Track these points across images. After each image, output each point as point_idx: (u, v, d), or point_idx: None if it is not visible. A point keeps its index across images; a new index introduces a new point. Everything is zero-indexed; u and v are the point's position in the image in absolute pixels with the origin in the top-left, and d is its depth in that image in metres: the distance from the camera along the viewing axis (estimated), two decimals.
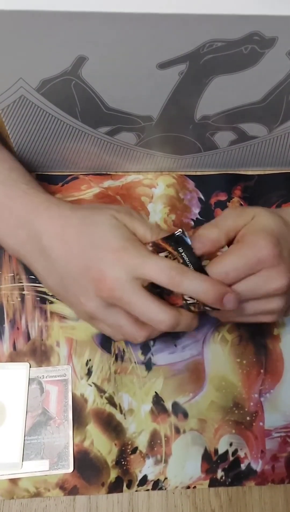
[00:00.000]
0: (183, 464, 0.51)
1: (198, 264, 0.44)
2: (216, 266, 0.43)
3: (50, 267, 0.46)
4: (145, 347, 0.54)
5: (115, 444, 0.51)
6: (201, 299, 0.42)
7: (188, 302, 0.44)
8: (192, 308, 0.45)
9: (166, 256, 0.44)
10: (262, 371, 0.54)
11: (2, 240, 0.49)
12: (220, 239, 0.45)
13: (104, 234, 0.44)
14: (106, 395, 0.52)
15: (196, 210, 0.59)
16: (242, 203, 0.59)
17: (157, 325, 0.43)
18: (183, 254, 0.44)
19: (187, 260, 0.44)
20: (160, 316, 0.42)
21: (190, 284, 0.42)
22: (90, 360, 0.53)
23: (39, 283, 0.54)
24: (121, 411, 0.52)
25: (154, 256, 0.43)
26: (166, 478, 0.51)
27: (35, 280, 0.55)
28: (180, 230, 0.44)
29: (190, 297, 0.44)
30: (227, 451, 0.52)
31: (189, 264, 0.44)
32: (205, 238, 0.45)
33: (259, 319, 0.47)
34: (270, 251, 0.42)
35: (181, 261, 0.44)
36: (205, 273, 0.43)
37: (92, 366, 0.53)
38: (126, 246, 0.43)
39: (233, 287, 0.43)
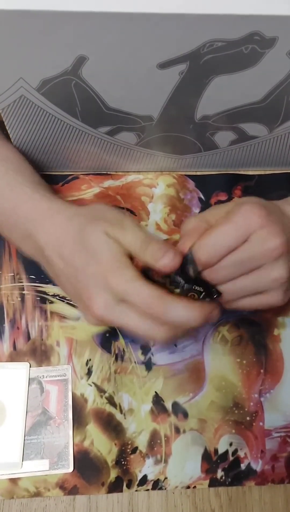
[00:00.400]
0: (183, 464, 0.51)
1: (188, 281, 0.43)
2: (207, 238, 0.42)
3: (57, 277, 0.46)
4: (145, 347, 0.54)
5: (115, 444, 0.51)
6: (186, 324, 0.41)
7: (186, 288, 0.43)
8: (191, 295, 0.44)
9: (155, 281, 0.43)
10: (262, 371, 0.54)
11: (17, 246, 0.50)
12: (199, 226, 0.43)
13: (94, 253, 0.43)
14: (106, 395, 0.52)
15: (196, 210, 0.59)
16: None
17: (153, 337, 0.42)
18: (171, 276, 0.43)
19: (177, 280, 0.43)
20: (151, 332, 0.41)
21: (173, 313, 0.41)
22: (90, 360, 0.53)
23: (39, 283, 0.55)
24: (121, 411, 0.52)
25: (138, 283, 0.41)
26: (166, 478, 0.51)
27: (35, 280, 0.55)
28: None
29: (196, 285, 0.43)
30: (227, 451, 0.52)
31: (179, 284, 0.43)
32: (191, 230, 0.43)
33: (264, 301, 0.45)
34: (257, 212, 0.41)
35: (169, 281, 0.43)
36: (201, 283, 0.43)
37: (92, 366, 0.53)
38: (113, 269, 0.41)
39: (228, 258, 0.42)
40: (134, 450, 0.51)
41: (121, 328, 0.44)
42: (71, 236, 0.44)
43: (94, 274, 0.42)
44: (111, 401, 0.52)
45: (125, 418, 0.52)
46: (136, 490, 0.50)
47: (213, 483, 0.51)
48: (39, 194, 0.48)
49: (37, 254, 0.47)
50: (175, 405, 0.53)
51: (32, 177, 0.50)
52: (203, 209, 0.59)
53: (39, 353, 0.53)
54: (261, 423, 0.53)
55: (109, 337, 0.54)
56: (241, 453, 0.52)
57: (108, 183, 0.59)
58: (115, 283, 0.41)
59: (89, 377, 0.53)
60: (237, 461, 0.52)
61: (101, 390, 0.52)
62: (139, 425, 0.52)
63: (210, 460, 0.51)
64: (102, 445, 0.51)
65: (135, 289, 0.41)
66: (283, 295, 0.44)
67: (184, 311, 0.41)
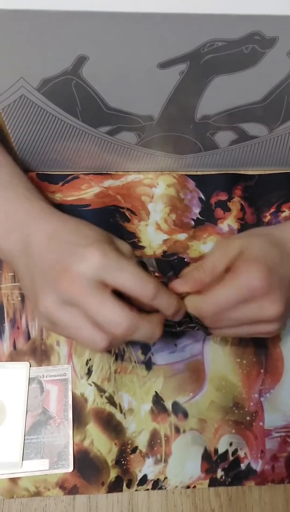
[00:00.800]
0: (183, 463, 0.51)
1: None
2: (210, 297, 0.44)
3: (28, 264, 0.44)
4: (145, 347, 0.54)
5: (115, 444, 0.51)
6: (166, 313, 0.43)
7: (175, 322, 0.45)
8: (178, 326, 0.46)
9: None
10: (262, 371, 0.54)
11: None
12: (204, 278, 0.46)
13: (87, 234, 0.43)
14: (106, 394, 0.52)
15: (196, 210, 0.59)
16: (242, 202, 0.59)
17: (114, 327, 0.40)
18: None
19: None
20: (116, 317, 0.40)
21: (161, 301, 0.42)
22: (90, 359, 0.53)
23: None
24: (121, 411, 0.52)
25: (131, 264, 0.42)
26: (166, 478, 0.51)
27: None
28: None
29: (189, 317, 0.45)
30: (227, 451, 0.52)
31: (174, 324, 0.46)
32: (189, 277, 0.46)
33: (259, 330, 0.46)
34: (261, 281, 0.42)
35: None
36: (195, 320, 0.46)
37: (92, 366, 0.53)
38: (105, 248, 0.41)
39: (226, 314, 0.44)
40: (134, 449, 0.51)
41: (64, 332, 0.43)
42: (72, 224, 0.45)
43: (82, 247, 0.41)
44: (111, 400, 0.52)
45: (125, 417, 0.52)
46: (136, 490, 0.50)
47: (213, 483, 0.51)
48: (34, 196, 0.49)
49: (18, 245, 0.46)
50: (175, 405, 0.53)
51: (26, 183, 0.50)
52: (203, 209, 0.59)
53: (39, 353, 0.53)
54: (261, 423, 0.53)
55: None
56: (241, 453, 0.52)
57: (108, 182, 0.59)
58: (104, 259, 0.40)
59: (89, 377, 0.53)
60: (237, 461, 0.52)
61: (101, 390, 0.52)
62: (139, 425, 0.52)
63: (210, 460, 0.51)
64: (102, 445, 0.51)
65: (129, 269, 0.41)
66: (278, 327, 0.46)
67: (168, 298, 0.43)
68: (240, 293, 0.43)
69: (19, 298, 0.54)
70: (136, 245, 0.57)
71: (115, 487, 0.50)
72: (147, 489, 0.50)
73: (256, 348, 0.55)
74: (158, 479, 0.51)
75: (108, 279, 0.40)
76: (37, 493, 0.49)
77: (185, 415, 0.52)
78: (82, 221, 0.47)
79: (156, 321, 0.43)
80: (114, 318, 0.40)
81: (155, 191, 0.59)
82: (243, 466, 0.52)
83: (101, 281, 0.40)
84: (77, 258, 0.40)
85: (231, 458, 0.52)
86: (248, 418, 0.53)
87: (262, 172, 0.61)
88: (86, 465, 0.50)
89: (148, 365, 0.53)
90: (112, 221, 0.58)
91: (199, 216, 0.59)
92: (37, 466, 0.50)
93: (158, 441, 0.52)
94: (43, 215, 0.47)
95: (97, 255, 0.40)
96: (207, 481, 0.51)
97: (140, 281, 0.41)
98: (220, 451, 0.52)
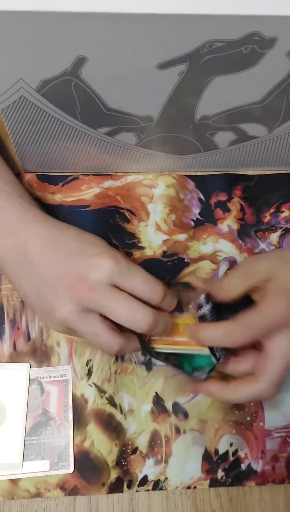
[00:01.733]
0: (184, 464, 0.51)
1: None
2: (239, 326, 0.44)
3: (29, 274, 0.45)
4: None
5: (116, 444, 0.51)
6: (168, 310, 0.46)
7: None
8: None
9: None
10: None
11: None
12: (218, 290, 0.47)
13: (93, 241, 0.45)
14: (107, 395, 0.52)
15: (196, 210, 0.59)
16: (242, 203, 0.59)
17: (138, 324, 0.42)
18: None
19: None
20: (139, 314, 0.42)
21: (168, 301, 0.45)
22: (90, 360, 0.53)
23: None
24: (121, 411, 0.52)
25: (140, 269, 0.44)
26: (166, 478, 0.51)
27: None
28: None
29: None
30: (227, 451, 0.52)
31: None
32: (207, 279, 0.48)
33: None
34: (286, 310, 0.43)
35: None
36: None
37: (92, 366, 0.53)
38: (116, 255, 0.43)
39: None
40: (135, 450, 0.51)
41: (82, 336, 0.45)
42: (71, 230, 0.46)
43: (90, 256, 0.43)
44: (111, 401, 0.52)
45: (125, 418, 0.52)
46: (136, 491, 0.50)
47: (214, 483, 0.51)
48: (28, 203, 0.49)
49: (14, 252, 0.46)
50: (176, 405, 0.53)
51: (20, 190, 0.50)
52: (203, 209, 0.59)
53: (40, 354, 0.53)
54: (261, 423, 0.53)
55: None
56: (241, 453, 0.52)
57: (108, 183, 0.59)
58: (116, 265, 0.43)
59: (89, 378, 0.53)
60: (237, 461, 0.52)
61: (101, 391, 0.52)
62: (139, 426, 0.52)
63: (211, 460, 0.51)
64: (103, 446, 0.51)
65: (140, 273, 0.44)
66: None
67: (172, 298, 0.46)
68: (269, 323, 0.44)
69: (19, 299, 0.54)
70: (136, 245, 0.57)
71: (115, 487, 0.50)
72: (148, 490, 0.50)
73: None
74: (158, 479, 0.51)
75: (121, 284, 0.43)
76: (38, 494, 0.49)
77: (186, 415, 0.52)
78: (80, 228, 0.47)
79: (168, 317, 0.46)
80: (138, 316, 0.42)
81: (155, 191, 0.59)
82: (243, 466, 0.52)
83: (115, 285, 0.43)
84: (91, 267, 0.42)
85: (231, 458, 0.52)
86: (248, 418, 0.53)
87: (262, 172, 0.61)
88: (87, 466, 0.50)
89: (148, 365, 0.53)
90: (112, 221, 0.58)
91: (198, 217, 0.59)
92: (38, 467, 0.50)
93: (159, 441, 0.52)
94: (38, 221, 0.47)
95: (111, 263, 0.42)
96: (207, 482, 0.51)
97: (150, 284, 0.43)
98: (221, 451, 0.52)
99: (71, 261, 0.43)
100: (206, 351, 0.45)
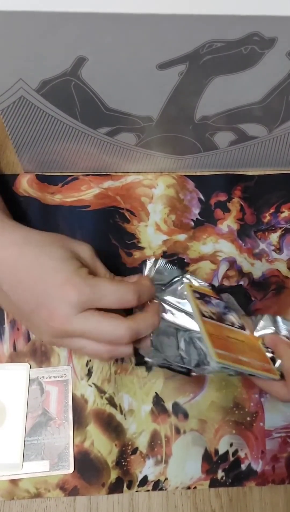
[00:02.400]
0: (184, 464, 0.51)
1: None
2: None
3: (5, 298, 0.45)
4: None
5: (116, 445, 0.51)
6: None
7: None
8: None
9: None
10: None
11: None
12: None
13: (54, 266, 0.43)
14: (106, 395, 0.52)
15: (196, 211, 0.59)
16: (242, 203, 0.59)
17: (119, 342, 0.42)
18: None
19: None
20: (116, 333, 0.42)
21: (144, 294, 0.44)
22: (90, 360, 0.53)
23: None
24: (121, 412, 0.52)
25: (106, 285, 0.42)
26: (166, 479, 0.51)
27: None
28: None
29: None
30: (227, 452, 0.52)
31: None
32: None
33: None
34: None
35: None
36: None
37: (92, 367, 0.53)
38: (78, 283, 0.42)
39: None
40: (135, 450, 0.51)
41: (75, 346, 0.44)
42: (29, 251, 0.44)
43: (53, 286, 0.42)
44: (111, 401, 0.52)
45: (125, 418, 0.52)
46: (136, 491, 0.50)
47: (214, 483, 0.51)
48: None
49: None
50: (175, 405, 0.53)
51: None
52: (203, 209, 0.59)
53: (39, 354, 0.53)
54: (261, 424, 0.53)
55: None
56: (241, 454, 0.52)
57: (107, 183, 0.59)
58: (76, 293, 0.41)
59: (89, 378, 0.53)
60: (237, 461, 0.52)
61: (101, 391, 0.52)
62: (139, 426, 0.52)
63: (211, 461, 0.51)
64: (103, 446, 0.51)
65: (105, 289, 0.42)
66: None
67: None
68: None
69: None
70: (136, 245, 0.57)
71: (115, 488, 0.50)
72: (148, 490, 0.50)
73: None
74: (158, 480, 0.51)
75: (92, 307, 0.42)
76: (38, 495, 0.49)
77: (186, 415, 0.52)
78: (38, 243, 0.45)
79: (152, 313, 0.45)
80: (116, 335, 0.42)
81: (155, 191, 0.59)
82: (243, 466, 0.51)
83: (87, 309, 0.42)
84: (56, 301, 0.41)
85: (231, 458, 0.52)
86: (248, 418, 0.53)
87: (262, 173, 0.61)
88: (87, 466, 0.50)
89: (148, 366, 0.53)
90: (111, 222, 0.58)
91: (198, 217, 0.59)
92: (38, 468, 0.50)
93: (159, 442, 0.52)
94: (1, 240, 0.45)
95: (73, 294, 0.41)
96: (207, 482, 0.51)
97: (121, 294, 0.42)
98: (221, 451, 0.52)
99: (37, 291, 0.42)
100: (272, 376, 0.44)
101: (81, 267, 0.43)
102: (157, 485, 0.50)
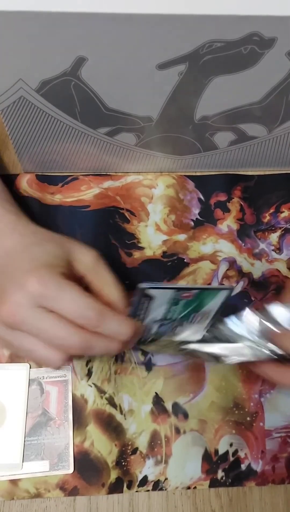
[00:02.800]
0: (184, 464, 0.51)
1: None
2: None
3: None
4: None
5: (116, 445, 0.51)
6: (118, 337, 0.41)
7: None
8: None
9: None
10: None
11: None
12: None
13: (35, 254, 0.42)
14: (106, 395, 0.52)
15: (196, 211, 0.59)
16: (242, 203, 0.59)
17: (67, 349, 0.40)
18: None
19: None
20: (69, 339, 0.39)
21: (108, 326, 0.40)
22: (90, 360, 0.53)
23: None
24: (121, 412, 0.52)
25: (73, 291, 0.40)
26: (166, 479, 0.51)
27: None
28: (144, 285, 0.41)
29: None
30: (227, 452, 0.52)
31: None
32: None
33: None
34: None
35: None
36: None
37: (92, 367, 0.53)
38: (45, 275, 0.39)
39: None
40: (134, 450, 0.51)
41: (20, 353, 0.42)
42: (27, 239, 0.44)
43: (22, 272, 0.40)
44: (111, 402, 0.52)
45: (125, 419, 0.52)
46: (136, 491, 0.50)
47: (214, 483, 0.51)
48: (3, 208, 0.48)
49: None
50: (175, 405, 0.53)
51: (4, 193, 0.50)
52: (202, 209, 0.59)
53: None
54: (261, 424, 0.53)
55: None
56: (241, 454, 0.52)
57: (107, 183, 0.59)
58: (40, 287, 0.39)
59: (89, 378, 0.53)
60: (237, 461, 0.52)
61: (101, 391, 0.52)
62: (139, 426, 0.52)
63: (211, 461, 0.51)
64: (103, 446, 0.51)
65: (67, 297, 0.39)
66: None
67: (118, 324, 0.40)
68: None
69: None
70: (135, 246, 0.57)
71: (115, 488, 0.50)
72: (148, 490, 0.50)
73: None
74: (158, 480, 0.51)
75: (47, 306, 0.39)
76: (38, 495, 0.49)
77: (185, 415, 0.52)
78: (43, 237, 0.45)
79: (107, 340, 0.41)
80: (67, 341, 0.39)
81: (155, 192, 0.59)
82: (243, 466, 0.51)
83: (42, 307, 0.39)
84: (15, 286, 0.39)
85: (231, 458, 0.52)
86: (248, 418, 0.53)
87: (262, 173, 0.61)
88: (87, 466, 0.50)
89: (148, 366, 0.53)
90: (111, 222, 0.58)
91: (198, 217, 0.59)
92: (38, 468, 0.50)
93: (159, 442, 0.52)
94: (6, 230, 0.46)
95: (33, 284, 0.39)
96: (207, 482, 0.51)
97: (80, 308, 0.39)
98: (221, 451, 0.52)
99: (6, 274, 0.41)
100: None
101: (61, 267, 0.41)
102: (157, 485, 0.50)
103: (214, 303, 0.43)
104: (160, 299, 0.41)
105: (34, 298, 0.39)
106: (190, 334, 0.46)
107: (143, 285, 0.39)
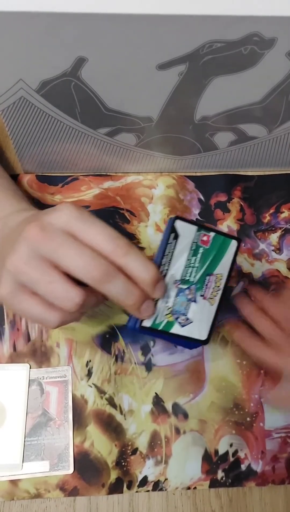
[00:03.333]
0: (184, 465, 0.51)
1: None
2: None
3: None
4: (145, 348, 0.54)
5: (116, 445, 0.51)
6: (139, 277, 0.39)
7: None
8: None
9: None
10: (262, 371, 0.54)
11: None
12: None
13: (29, 215, 0.44)
14: (106, 396, 0.52)
15: (196, 211, 0.59)
16: (242, 203, 0.59)
17: (90, 272, 0.37)
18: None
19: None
20: (93, 261, 0.37)
21: (134, 259, 0.38)
22: (90, 361, 0.53)
23: None
24: (121, 412, 0.52)
25: (99, 220, 0.39)
26: (166, 479, 0.51)
27: None
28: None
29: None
30: (227, 452, 0.52)
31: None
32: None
33: None
34: None
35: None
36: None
37: (92, 367, 0.53)
38: (44, 224, 0.38)
39: None
40: (134, 451, 0.51)
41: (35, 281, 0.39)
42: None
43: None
44: (111, 402, 0.52)
45: (125, 419, 0.52)
46: (136, 491, 0.50)
47: (214, 484, 0.51)
48: (21, 198, 0.51)
49: None
50: (175, 406, 0.53)
51: (13, 185, 0.52)
52: (203, 210, 0.59)
53: (39, 354, 0.53)
54: (261, 424, 0.53)
55: (109, 338, 0.54)
56: (241, 454, 0.52)
57: (107, 184, 0.59)
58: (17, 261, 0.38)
59: (89, 378, 0.53)
60: (237, 462, 0.52)
61: (101, 391, 0.52)
62: (139, 426, 0.52)
63: (211, 461, 0.51)
64: (103, 446, 0.51)
65: (96, 226, 0.39)
66: None
67: (143, 262, 0.40)
68: None
69: None
70: (136, 246, 0.57)
71: (115, 488, 0.50)
72: (148, 491, 0.50)
73: None
74: (158, 480, 0.51)
75: (79, 230, 0.38)
76: (38, 495, 0.49)
77: (185, 416, 0.52)
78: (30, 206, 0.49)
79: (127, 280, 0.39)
80: (93, 261, 0.38)
81: (155, 192, 0.59)
82: (243, 467, 0.51)
83: (71, 233, 0.38)
84: (49, 211, 0.39)
85: (231, 459, 0.52)
86: (248, 419, 0.53)
87: (262, 173, 0.61)
88: (87, 466, 0.50)
89: (148, 366, 0.53)
90: (111, 222, 0.58)
91: (198, 217, 0.59)
92: (38, 468, 0.50)
93: (159, 442, 0.52)
94: (29, 210, 0.48)
95: (70, 207, 0.38)
96: (207, 482, 0.51)
97: (112, 235, 0.38)
98: (221, 452, 0.52)
99: (34, 215, 0.42)
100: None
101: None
102: (157, 486, 0.50)
103: (226, 261, 0.45)
104: (184, 240, 0.43)
105: (66, 219, 0.38)
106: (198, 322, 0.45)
107: (173, 217, 0.42)
